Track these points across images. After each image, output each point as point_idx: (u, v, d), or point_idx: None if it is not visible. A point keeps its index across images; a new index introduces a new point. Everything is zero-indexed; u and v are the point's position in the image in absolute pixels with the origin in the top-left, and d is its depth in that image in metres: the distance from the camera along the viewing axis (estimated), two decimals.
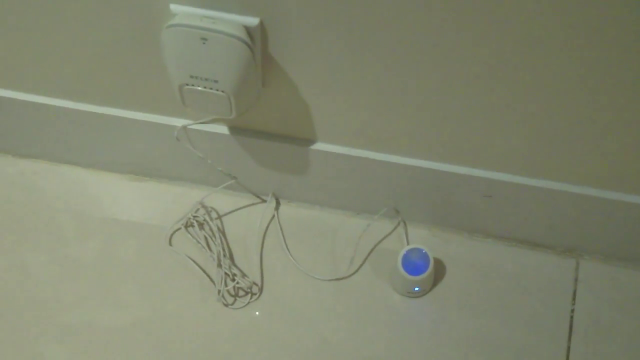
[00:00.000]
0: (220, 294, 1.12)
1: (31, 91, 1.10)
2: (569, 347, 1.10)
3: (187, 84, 0.91)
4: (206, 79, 0.90)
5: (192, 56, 0.88)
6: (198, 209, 1.19)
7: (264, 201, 1.21)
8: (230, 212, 1.21)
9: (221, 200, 1.21)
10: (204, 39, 0.86)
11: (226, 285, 1.13)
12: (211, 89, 0.91)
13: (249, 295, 1.14)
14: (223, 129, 1.08)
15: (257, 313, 1.13)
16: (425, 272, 1.09)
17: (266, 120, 1.06)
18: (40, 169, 1.24)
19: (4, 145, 1.24)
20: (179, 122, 1.08)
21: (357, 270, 1.16)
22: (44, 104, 1.10)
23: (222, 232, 1.18)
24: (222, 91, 0.90)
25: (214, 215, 1.20)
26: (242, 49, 0.86)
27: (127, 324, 1.11)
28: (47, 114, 1.12)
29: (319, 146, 1.08)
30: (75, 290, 1.14)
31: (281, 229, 1.19)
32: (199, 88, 0.91)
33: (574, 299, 1.14)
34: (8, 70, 1.06)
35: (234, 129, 1.08)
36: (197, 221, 1.18)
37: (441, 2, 0.79)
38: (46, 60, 1.02)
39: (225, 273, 1.13)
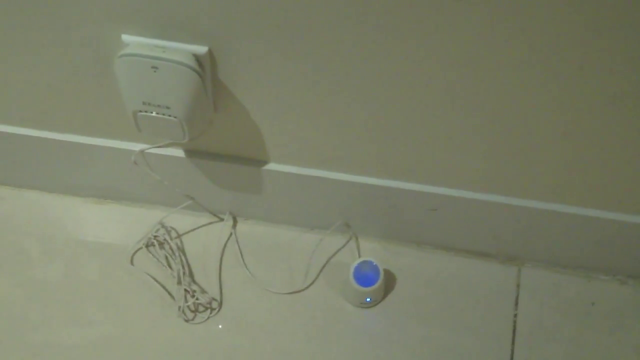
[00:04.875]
0: (181, 310, 1.09)
1: None
2: (512, 350, 1.08)
3: (141, 111, 0.88)
4: (158, 106, 0.87)
5: (144, 84, 0.85)
6: (158, 229, 1.15)
7: (222, 220, 1.18)
8: (189, 231, 1.18)
9: (180, 220, 1.17)
10: (155, 67, 0.83)
11: (186, 301, 1.09)
12: (163, 114, 0.88)
13: (209, 310, 1.11)
14: (179, 152, 1.05)
15: (217, 327, 1.10)
16: (375, 283, 1.07)
17: (220, 143, 1.03)
18: (4, 195, 1.20)
19: None
20: (136, 146, 1.05)
21: (311, 284, 1.14)
22: (5, 132, 1.06)
23: (182, 251, 1.15)
24: (175, 117, 0.88)
25: (173, 234, 1.17)
26: (192, 76, 0.84)
27: (92, 341, 1.08)
28: (9, 141, 1.08)
29: (271, 166, 1.05)
30: (40, 310, 1.10)
31: (239, 245, 1.16)
32: (152, 114, 0.88)
33: (516, 304, 1.12)
34: None
35: (190, 152, 1.05)
36: (157, 241, 1.15)
37: (386, 26, 0.78)
38: (7, 91, 0.99)
39: (185, 290, 1.10)
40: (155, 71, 0.83)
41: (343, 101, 0.90)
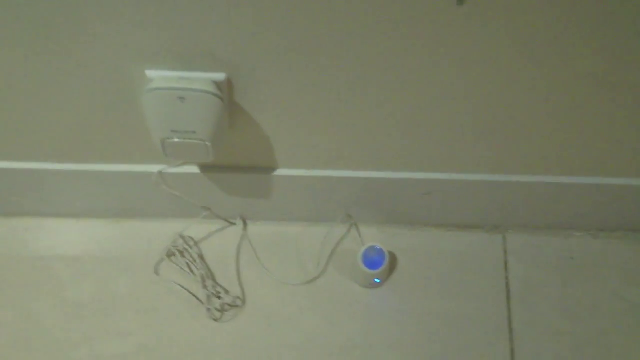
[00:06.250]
0: (210, 312, 1.16)
1: (19, 159, 1.09)
2: (509, 309, 1.18)
3: (169, 138, 0.94)
4: (185, 132, 0.93)
5: (172, 113, 0.90)
6: (177, 240, 1.21)
7: (233, 224, 1.24)
8: (205, 238, 1.24)
9: (196, 229, 1.23)
10: (182, 97, 0.88)
11: (213, 303, 1.16)
12: (190, 139, 0.93)
13: (235, 308, 1.17)
14: (194, 169, 1.11)
15: (244, 322, 1.16)
16: (382, 265, 1.15)
17: (233, 156, 1.09)
18: (30, 226, 1.24)
19: None
20: (154, 168, 1.10)
21: (323, 272, 1.21)
22: (30, 169, 1.10)
23: (202, 257, 1.21)
24: (201, 140, 0.93)
25: (191, 243, 1.23)
26: (215, 102, 0.89)
27: (131, 350, 1.13)
28: (35, 177, 1.12)
29: (280, 172, 1.11)
30: (79, 328, 1.15)
31: (252, 246, 1.23)
32: (179, 140, 0.94)
33: (506, 268, 1.22)
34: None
35: (204, 167, 1.11)
36: (177, 250, 1.21)
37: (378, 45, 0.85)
38: (32, 130, 1.02)
39: (211, 292, 1.16)
40: (182, 101, 0.89)
41: (346, 111, 0.97)
